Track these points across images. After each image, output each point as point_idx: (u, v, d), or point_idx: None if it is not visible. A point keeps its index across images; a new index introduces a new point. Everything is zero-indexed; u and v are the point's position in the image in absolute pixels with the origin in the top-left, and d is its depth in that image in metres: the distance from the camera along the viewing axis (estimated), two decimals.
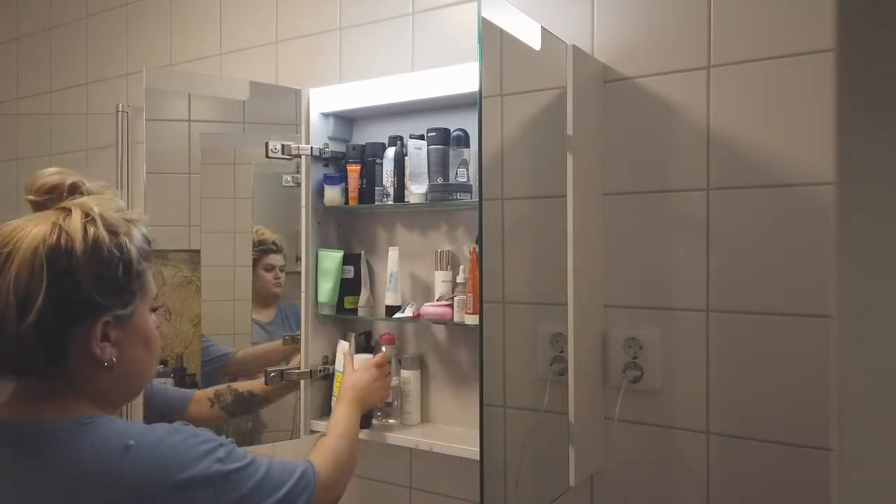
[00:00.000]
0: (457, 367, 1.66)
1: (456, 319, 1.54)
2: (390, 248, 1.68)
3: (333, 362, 1.73)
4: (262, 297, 1.80)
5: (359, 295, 1.72)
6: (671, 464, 1.40)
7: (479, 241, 1.17)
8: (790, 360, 1.28)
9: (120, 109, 2.30)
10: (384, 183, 1.64)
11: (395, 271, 1.66)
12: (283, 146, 1.68)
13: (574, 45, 1.34)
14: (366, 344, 1.75)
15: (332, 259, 1.72)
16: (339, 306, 1.73)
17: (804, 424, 1.27)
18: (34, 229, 0.78)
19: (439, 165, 1.56)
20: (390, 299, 1.67)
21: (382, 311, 1.70)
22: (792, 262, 1.28)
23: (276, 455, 1.92)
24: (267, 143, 1.66)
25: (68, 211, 0.80)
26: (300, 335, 1.72)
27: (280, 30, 1.97)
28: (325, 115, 1.75)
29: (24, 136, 2.71)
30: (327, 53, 1.87)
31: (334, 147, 1.76)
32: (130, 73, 2.34)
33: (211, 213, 1.73)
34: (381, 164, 1.65)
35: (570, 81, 1.31)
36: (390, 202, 1.64)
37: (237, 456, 0.87)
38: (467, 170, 1.55)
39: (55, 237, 0.77)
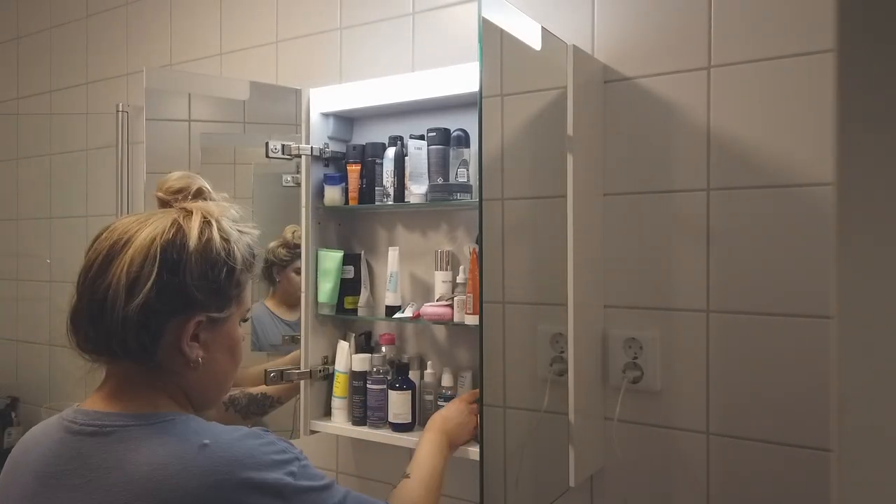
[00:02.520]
0: (457, 368, 1.65)
1: (456, 319, 1.54)
2: (390, 248, 1.68)
3: (333, 362, 1.73)
4: (290, 299, 1.80)
5: (359, 295, 1.72)
6: (671, 464, 1.40)
7: (479, 241, 1.18)
8: (790, 360, 1.28)
9: (120, 109, 2.30)
10: (384, 183, 1.64)
11: (395, 271, 1.66)
12: (283, 146, 1.68)
13: (574, 45, 1.34)
14: (366, 344, 1.75)
15: (332, 259, 1.72)
16: (339, 306, 1.73)
17: (804, 424, 1.27)
18: (155, 222, 0.84)
19: (439, 165, 1.56)
20: (390, 299, 1.67)
21: (382, 311, 1.70)
22: (792, 262, 1.28)
23: None
24: (267, 143, 1.66)
25: (189, 212, 0.86)
26: (300, 335, 1.72)
27: (280, 30, 1.97)
28: (326, 115, 1.75)
29: (24, 136, 2.71)
30: (327, 53, 1.87)
31: (334, 147, 1.76)
32: (130, 73, 2.34)
33: None
34: (382, 164, 1.65)
35: (571, 81, 1.31)
36: (390, 202, 1.64)
37: (311, 474, 0.85)
38: (467, 170, 1.55)
39: (172, 232, 0.83)
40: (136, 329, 0.82)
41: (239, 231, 0.89)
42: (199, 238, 0.84)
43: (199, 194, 0.91)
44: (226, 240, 0.87)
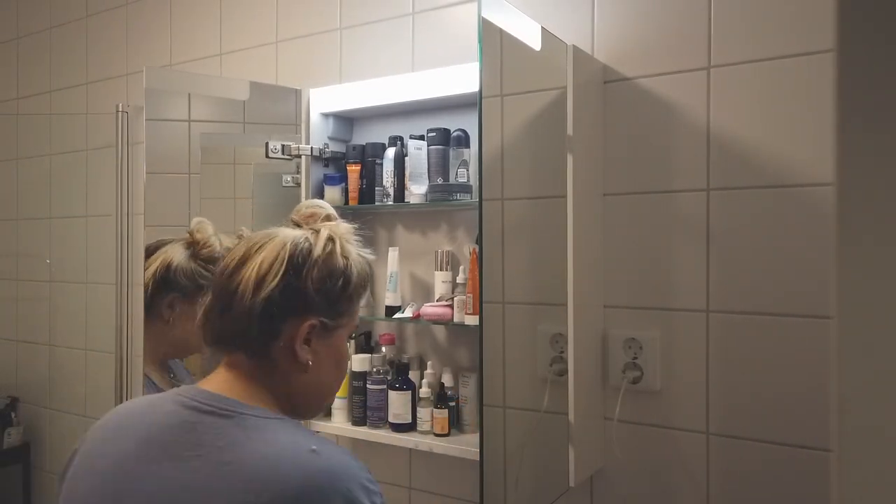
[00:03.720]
0: (457, 368, 1.65)
1: (456, 320, 1.54)
2: (390, 248, 1.68)
3: None
4: None
5: None
6: (671, 464, 1.40)
7: (479, 241, 1.18)
8: (790, 360, 1.28)
9: (120, 109, 2.30)
10: (384, 183, 1.64)
11: (395, 271, 1.66)
12: (283, 146, 1.68)
13: (574, 46, 1.34)
14: (365, 344, 1.75)
15: None
16: None
17: (804, 424, 1.27)
18: (289, 233, 0.95)
19: (439, 166, 1.56)
20: (390, 299, 1.67)
21: (382, 312, 1.70)
22: (792, 262, 1.28)
23: None
24: (267, 144, 1.66)
25: (317, 230, 0.97)
26: None
27: (280, 30, 1.97)
28: (325, 115, 1.75)
29: (24, 136, 2.71)
30: (327, 53, 1.87)
31: (334, 147, 1.76)
32: (130, 73, 2.34)
33: (211, 213, 1.73)
34: (381, 164, 1.65)
35: (570, 82, 1.31)
36: (390, 202, 1.64)
37: None
38: (467, 170, 1.55)
39: (301, 242, 0.93)
40: (259, 320, 0.89)
41: (359, 254, 0.98)
42: (323, 250, 0.94)
43: (328, 219, 1.00)
44: (345, 257, 0.96)
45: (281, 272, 0.90)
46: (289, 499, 0.79)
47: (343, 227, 0.99)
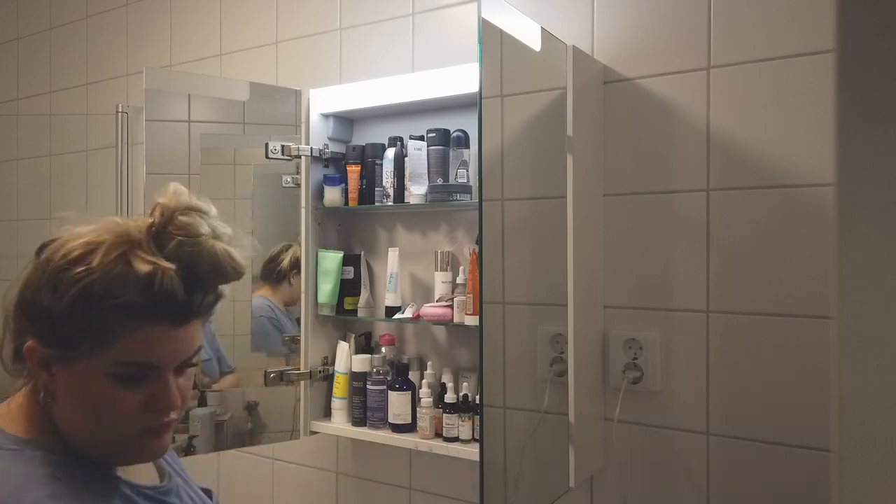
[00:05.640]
0: (457, 368, 1.65)
1: (456, 320, 1.54)
2: (390, 248, 1.68)
3: (333, 363, 1.73)
4: (294, 301, 1.81)
5: (359, 296, 1.72)
6: (671, 464, 1.40)
7: (479, 241, 1.17)
8: (790, 360, 1.28)
9: (120, 110, 2.30)
10: (384, 184, 1.64)
11: (395, 272, 1.66)
12: (282, 147, 1.68)
13: (574, 46, 1.34)
14: (366, 345, 1.75)
15: (331, 260, 1.72)
16: (339, 307, 1.73)
17: (804, 425, 1.27)
18: (80, 229, 0.83)
19: (439, 166, 1.56)
20: (390, 300, 1.67)
21: (382, 312, 1.70)
22: (792, 263, 1.28)
23: (276, 454, 1.92)
24: (267, 144, 1.66)
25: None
26: (300, 336, 1.72)
27: (280, 30, 1.97)
28: (325, 116, 1.75)
29: (24, 136, 2.71)
30: (327, 54, 1.87)
31: (334, 148, 1.76)
32: (130, 74, 2.33)
33: None
34: (381, 164, 1.65)
35: (570, 82, 1.31)
36: (390, 203, 1.64)
37: None
38: (467, 171, 1.55)
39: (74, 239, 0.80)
40: (7, 332, 0.78)
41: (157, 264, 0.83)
42: (67, 254, 0.80)
43: (190, 210, 0.87)
44: (131, 266, 0.80)
45: (25, 274, 0.72)
46: None
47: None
